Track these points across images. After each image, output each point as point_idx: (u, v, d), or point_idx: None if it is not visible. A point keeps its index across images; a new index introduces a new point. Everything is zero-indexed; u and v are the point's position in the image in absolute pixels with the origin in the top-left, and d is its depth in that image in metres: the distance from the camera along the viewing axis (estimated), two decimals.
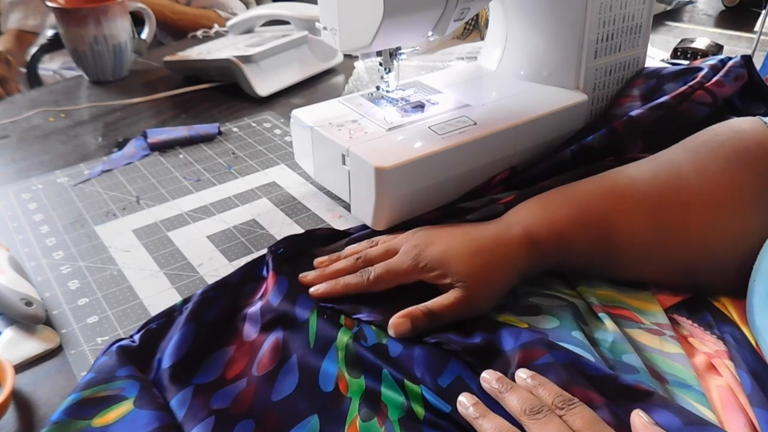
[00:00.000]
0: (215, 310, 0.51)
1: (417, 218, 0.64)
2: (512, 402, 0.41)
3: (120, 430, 0.42)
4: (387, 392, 0.44)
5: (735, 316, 0.49)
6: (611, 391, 0.42)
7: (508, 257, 0.51)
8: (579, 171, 0.67)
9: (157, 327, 0.50)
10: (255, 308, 0.52)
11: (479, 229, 0.55)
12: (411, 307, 0.49)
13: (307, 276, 0.54)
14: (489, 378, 0.43)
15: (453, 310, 0.49)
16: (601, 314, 0.50)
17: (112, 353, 0.47)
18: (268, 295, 0.52)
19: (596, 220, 0.53)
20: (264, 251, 0.60)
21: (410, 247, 0.52)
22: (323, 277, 0.53)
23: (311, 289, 0.52)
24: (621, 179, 0.56)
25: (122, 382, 0.45)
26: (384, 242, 0.56)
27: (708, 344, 0.47)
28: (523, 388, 0.42)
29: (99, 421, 0.42)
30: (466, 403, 0.42)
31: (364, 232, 0.62)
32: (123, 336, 0.52)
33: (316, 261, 0.57)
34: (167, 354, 0.47)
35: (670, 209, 0.52)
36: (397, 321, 0.48)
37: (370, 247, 0.56)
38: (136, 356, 0.48)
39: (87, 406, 0.43)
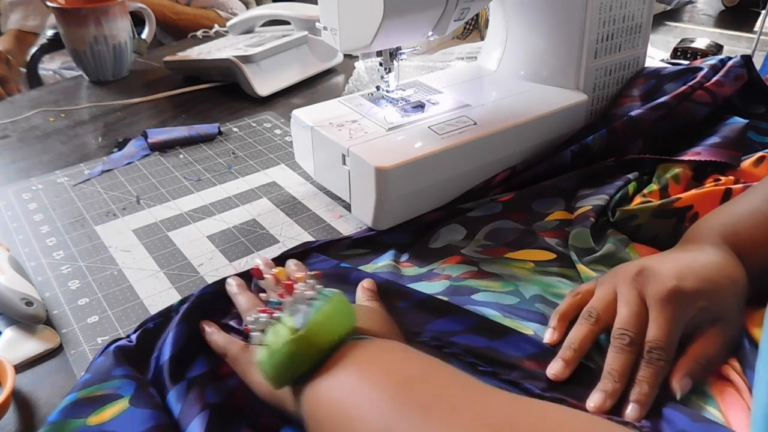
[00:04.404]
0: (211, 313, 0.51)
1: (417, 218, 0.64)
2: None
3: (115, 428, 0.42)
4: None
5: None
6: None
7: (740, 282, 0.47)
8: (579, 171, 0.67)
9: (153, 327, 0.50)
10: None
11: (699, 254, 0.48)
12: (683, 360, 0.44)
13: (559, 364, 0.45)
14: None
15: (723, 351, 0.45)
16: None
17: (110, 354, 0.47)
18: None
19: None
20: (264, 251, 0.60)
21: (662, 284, 0.44)
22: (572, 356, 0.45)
23: (555, 376, 0.44)
24: None
25: (118, 382, 0.45)
26: (596, 293, 0.48)
27: None
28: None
29: (94, 419, 0.42)
30: None
31: (367, 234, 0.62)
32: (123, 336, 0.52)
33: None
34: (163, 351, 0.47)
35: None
36: (682, 384, 0.43)
37: (577, 295, 0.50)
38: (133, 356, 0.48)
39: (82, 405, 0.43)
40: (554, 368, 0.44)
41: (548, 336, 0.47)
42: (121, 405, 0.43)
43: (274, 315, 0.40)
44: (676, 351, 0.44)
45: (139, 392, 0.44)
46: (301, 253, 0.58)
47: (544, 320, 0.49)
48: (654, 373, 0.42)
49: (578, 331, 0.46)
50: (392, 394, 0.34)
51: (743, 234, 0.50)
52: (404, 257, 0.59)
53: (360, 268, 0.56)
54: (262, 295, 0.46)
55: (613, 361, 0.43)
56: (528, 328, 0.48)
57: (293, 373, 0.38)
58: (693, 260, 0.47)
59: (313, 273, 0.45)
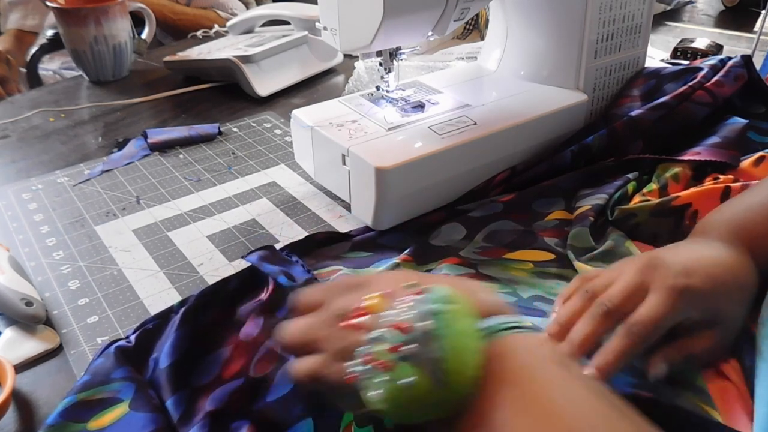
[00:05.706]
0: (211, 312, 0.51)
1: (417, 218, 0.64)
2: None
3: None
4: None
5: None
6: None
7: (749, 287, 0.46)
8: (579, 171, 0.67)
9: (153, 327, 0.50)
10: (255, 309, 0.52)
11: (709, 250, 0.47)
12: (666, 348, 0.43)
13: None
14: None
15: (714, 353, 0.44)
16: None
17: (109, 355, 0.47)
18: (268, 303, 0.52)
19: None
20: None
21: (670, 277, 0.42)
22: (564, 329, 0.44)
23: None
24: None
25: (118, 384, 0.45)
26: (602, 275, 0.46)
27: None
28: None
29: (94, 424, 0.42)
30: None
31: (367, 235, 0.62)
32: (123, 336, 0.52)
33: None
34: (164, 354, 0.47)
35: None
36: (657, 368, 0.42)
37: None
38: (131, 356, 0.47)
39: (83, 408, 0.43)
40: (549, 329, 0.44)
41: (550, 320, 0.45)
42: (121, 409, 0.43)
43: (388, 365, 0.32)
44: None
45: (139, 395, 0.44)
46: (305, 254, 0.58)
47: (543, 316, 0.49)
48: (625, 345, 0.40)
49: (570, 306, 0.44)
50: None
51: (751, 228, 0.49)
52: (405, 252, 0.59)
53: (361, 270, 0.56)
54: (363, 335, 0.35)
55: (579, 324, 0.42)
56: (527, 322, 0.48)
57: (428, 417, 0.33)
58: (702, 256, 0.46)
59: (411, 285, 0.35)
